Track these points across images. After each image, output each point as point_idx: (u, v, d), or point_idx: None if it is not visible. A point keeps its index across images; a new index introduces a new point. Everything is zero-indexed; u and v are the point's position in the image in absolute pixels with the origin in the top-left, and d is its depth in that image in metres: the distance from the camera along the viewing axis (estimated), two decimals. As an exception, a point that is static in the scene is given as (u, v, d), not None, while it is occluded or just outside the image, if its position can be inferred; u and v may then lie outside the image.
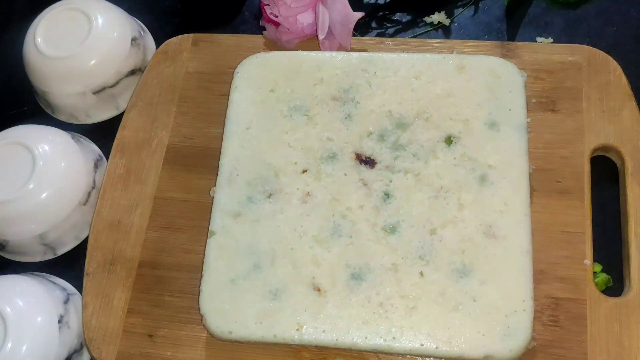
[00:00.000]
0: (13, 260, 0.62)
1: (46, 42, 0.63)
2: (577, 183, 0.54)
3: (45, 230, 0.58)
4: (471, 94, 0.55)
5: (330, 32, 0.61)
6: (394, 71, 0.56)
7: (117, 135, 0.62)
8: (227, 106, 0.57)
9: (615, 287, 0.52)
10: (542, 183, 0.54)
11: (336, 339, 0.48)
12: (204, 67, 0.64)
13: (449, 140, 0.53)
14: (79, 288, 0.57)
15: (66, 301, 0.56)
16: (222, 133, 0.56)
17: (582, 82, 0.57)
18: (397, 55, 0.57)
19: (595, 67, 0.58)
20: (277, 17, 0.61)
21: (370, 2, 0.70)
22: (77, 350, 0.55)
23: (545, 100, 0.57)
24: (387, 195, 0.52)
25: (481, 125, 0.53)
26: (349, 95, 0.56)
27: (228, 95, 0.58)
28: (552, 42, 0.62)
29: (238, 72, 0.59)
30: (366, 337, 0.48)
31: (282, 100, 0.57)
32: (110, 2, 0.67)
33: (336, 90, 0.57)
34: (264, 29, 0.64)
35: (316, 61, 0.58)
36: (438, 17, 0.67)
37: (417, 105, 0.55)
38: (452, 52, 0.59)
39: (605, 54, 0.58)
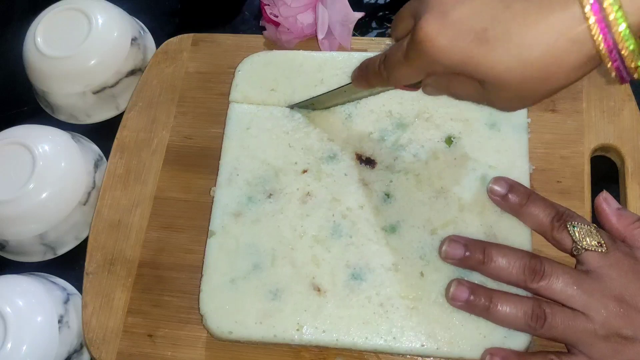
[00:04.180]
0: (13, 260, 0.62)
1: (46, 42, 0.63)
2: (577, 183, 0.54)
3: (45, 230, 0.58)
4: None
5: (330, 32, 0.61)
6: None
7: (117, 135, 0.62)
8: (227, 106, 0.57)
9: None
10: (542, 183, 0.54)
11: (336, 339, 0.48)
12: (204, 67, 0.64)
13: (449, 141, 0.53)
14: (79, 288, 0.57)
15: (66, 301, 0.56)
16: (222, 133, 0.56)
17: (582, 82, 0.57)
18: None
19: (595, 67, 0.58)
20: (277, 17, 0.61)
21: (370, 2, 0.70)
22: (77, 350, 0.55)
23: (545, 100, 0.57)
24: (387, 195, 0.52)
25: (481, 126, 0.53)
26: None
27: (228, 95, 0.58)
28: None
29: (239, 71, 0.59)
30: (366, 337, 0.48)
31: (282, 100, 0.57)
32: (110, 2, 0.67)
33: None
34: (264, 29, 0.63)
35: (317, 61, 0.58)
36: (438, 17, 0.67)
37: (417, 105, 0.55)
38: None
39: (605, 54, 0.58)
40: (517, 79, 0.36)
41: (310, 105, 0.56)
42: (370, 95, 0.54)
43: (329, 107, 0.56)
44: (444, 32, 0.36)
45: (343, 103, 0.56)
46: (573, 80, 0.36)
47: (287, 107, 0.56)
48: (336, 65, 0.58)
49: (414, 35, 0.38)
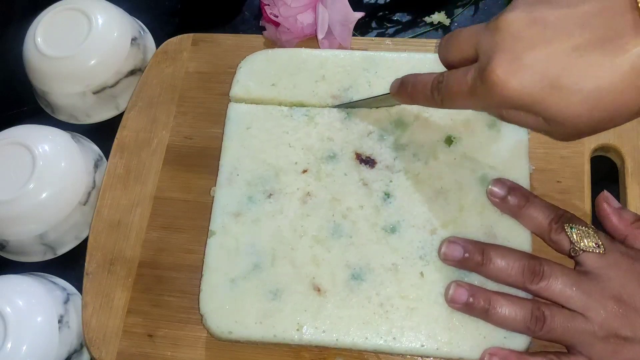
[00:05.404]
0: (13, 260, 0.62)
1: (46, 42, 0.63)
2: (577, 183, 0.54)
3: (45, 230, 0.58)
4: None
5: (330, 32, 0.61)
6: (395, 70, 0.56)
7: (117, 135, 0.62)
8: (227, 105, 0.57)
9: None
10: (542, 183, 0.54)
11: (336, 339, 0.48)
12: (204, 67, 0.64)
13: (449, 141, 0.53)
14: (79, 288, 0.57)
15: (66, 301, 0.56)
16: (222, 133, 0.56)
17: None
18: (398, 54, 0.57)
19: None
20: (277, 17, 0.61)
21: (370, 2, 0.70)
22: (77, 350, 0.55)
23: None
24: (387, 195, 0.52)
25: (482, 126, 0.53)
26: (348, 95, 0.56)
27: (228, 95, 0.58)
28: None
29: (241, 67, 0.59)
30: (366, 338, 0.48)
31: (283, 95, 0.57)
32: (110, 2, 0.67)
33: (337, 89, 0.57)
34: (264, 29, 0.64)
35: (319, 58, 0.58)
36: (438, 17, 0.67)
37: (418, 105, 0.55)
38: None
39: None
40: (585, 120, 0.37)
41: (349, 106, 0.56)
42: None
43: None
44: (517, 76, 0.37)
45: (379, 107, 0.55)
46: (635, 117, 0.38)
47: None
48: (338, 62, 0.58)
49: (486, 76, 0.38)
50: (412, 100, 0.48)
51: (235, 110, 0.57)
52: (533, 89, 0.37)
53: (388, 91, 0.50)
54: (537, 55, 0.37)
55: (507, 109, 0.40)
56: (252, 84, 0.58)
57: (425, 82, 0.45)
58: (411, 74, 0.48)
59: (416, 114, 0.55)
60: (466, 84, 0.41)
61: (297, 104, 0.56)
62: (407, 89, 0.48)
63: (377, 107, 0.55)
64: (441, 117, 0.54)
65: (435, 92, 0.44)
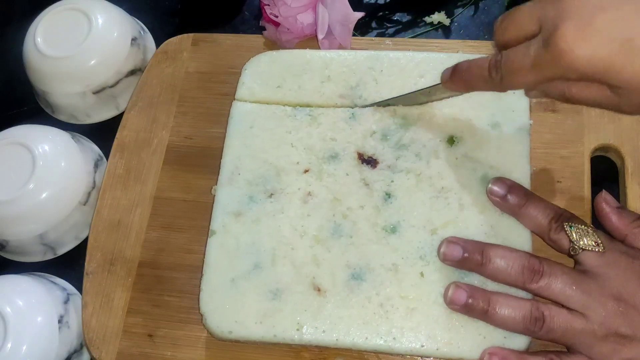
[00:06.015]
0: (13, 260, 0.62)
1: (46, 42, 0.63)
2: (577, 183, 0.54)
3: (45, 230, 0.58)
4: (474, 94, 0.54)
5: (330, 32, 0.61)
6: (399, 69, 0.56)
7: (117, 135, 0.62)
8: (227, 106, 0.57)
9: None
10: (542, 183, 0.54)
11: (336, 339, 0.48)
12: (204, 67, 0.64)
13: (451, 140, 0.53)
14: (79, 288, 0.57)
15: (66, 301, 0.56)
16: (223, 132, 0.56)
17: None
18: (403, 53, 0.57)
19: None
20: (277, 17, 0.61)
21: (370, 2, 0.70)
22: (77, 350, 0.55)
23: (545, 100, 0.57)
24: (388, 195, 0.52)
25: (484, 126, 0.53)
26: (357, 93, 0.56)
27: (228, 95, 0.58)
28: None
29: (246, 69, 0.59)
30: (366, 338, 0.48)
31: (288, 96, 0.57)
32: (110, 2, 0.67)
33: (344, 88, 0.57)
34: (264, 29, 0.64)
35: (323, 59, 0.58)
36: (438, 17, 0.67)
37: (421, 104, 0.55)
38: (457, 52, 0.59)
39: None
40: None
41: (388, 104, 0.55)
42: (450, 96, 0.53)
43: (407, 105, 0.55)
44: (587, 41, 0.36)
45: (421, 103, 0.55)
46: None
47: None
48: (342, 62, 0.58)
49: (553, 44, 0.37)
50: (467, 86, 0.46)
51: (238, 109, 0.57)
52: (604, 53, 0.36)
53: (430, 84, 0.49)
54: (608, 18, 0.36)
55: (573, 80, 0.39)
56: (257, 86, 0.57)
57: (480, 64, 0.44)
58: (463, 60, 0.47)
59: (419, 113, 0.55)
60: (529, 56, 0.39)
61: (303, 105, 0.56)
62: (461, 75, 0.46)
63: (421, 104, 0.54)
64: (444, 116, 0.54)
65: (494, 71, 0.42)
